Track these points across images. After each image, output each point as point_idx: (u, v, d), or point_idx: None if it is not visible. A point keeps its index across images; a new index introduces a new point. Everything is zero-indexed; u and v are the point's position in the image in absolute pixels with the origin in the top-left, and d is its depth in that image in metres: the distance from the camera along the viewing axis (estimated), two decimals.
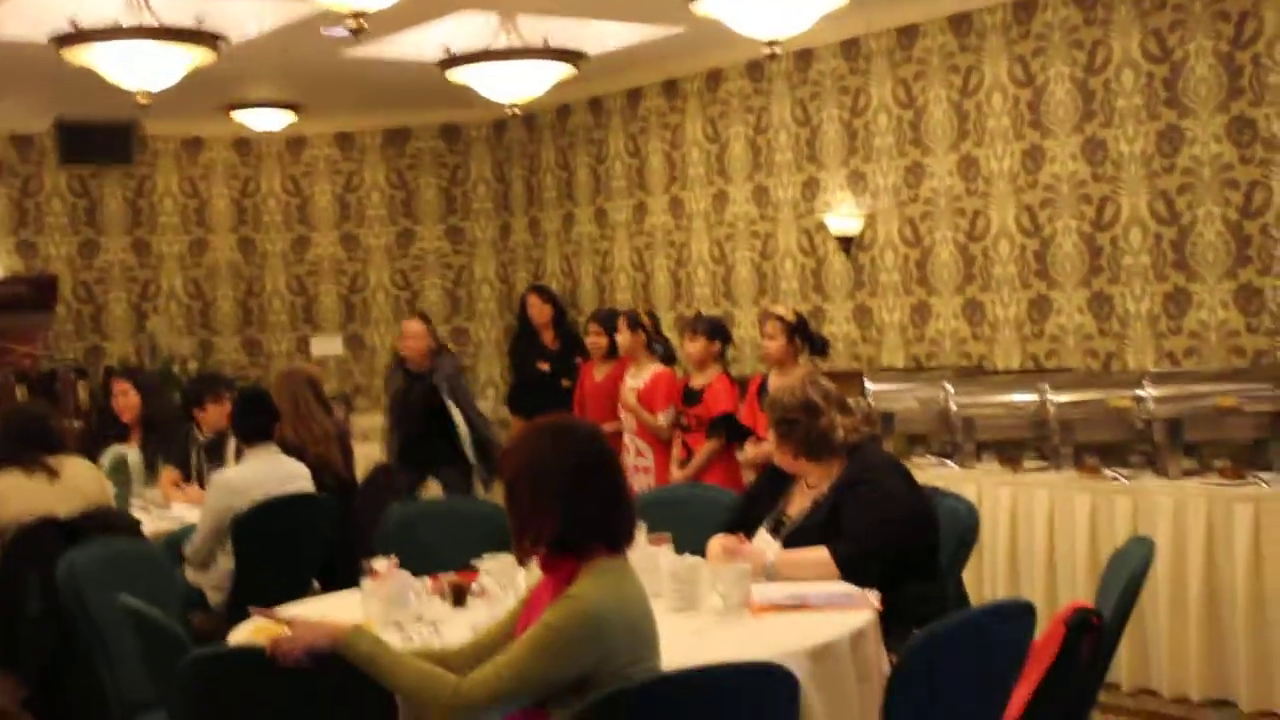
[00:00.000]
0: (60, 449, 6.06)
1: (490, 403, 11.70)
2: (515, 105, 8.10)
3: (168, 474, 7.35)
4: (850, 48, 9.05)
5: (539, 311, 10.06)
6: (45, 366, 10.69)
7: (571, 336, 10.01)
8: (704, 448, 7.43)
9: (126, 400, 7.69)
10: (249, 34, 8.29)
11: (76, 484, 5.91)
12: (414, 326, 8.82)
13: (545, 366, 9.82)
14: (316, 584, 6.09)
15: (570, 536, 3.20)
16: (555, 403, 8.52)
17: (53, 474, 5.85)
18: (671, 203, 10.44)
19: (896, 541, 4.48)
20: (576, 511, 3.19)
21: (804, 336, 7.10)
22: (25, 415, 6.34)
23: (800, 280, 9.46)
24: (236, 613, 5.06)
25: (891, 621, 4.12)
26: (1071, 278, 7.89)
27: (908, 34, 8.70)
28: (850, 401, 4.92)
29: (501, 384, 11.89)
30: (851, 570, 4.37)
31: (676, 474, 7.52)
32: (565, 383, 9.34)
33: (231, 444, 7.01)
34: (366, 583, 4.30)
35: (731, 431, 7.31)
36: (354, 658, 3.14)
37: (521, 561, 3.40)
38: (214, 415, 7.39)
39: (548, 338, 10.03)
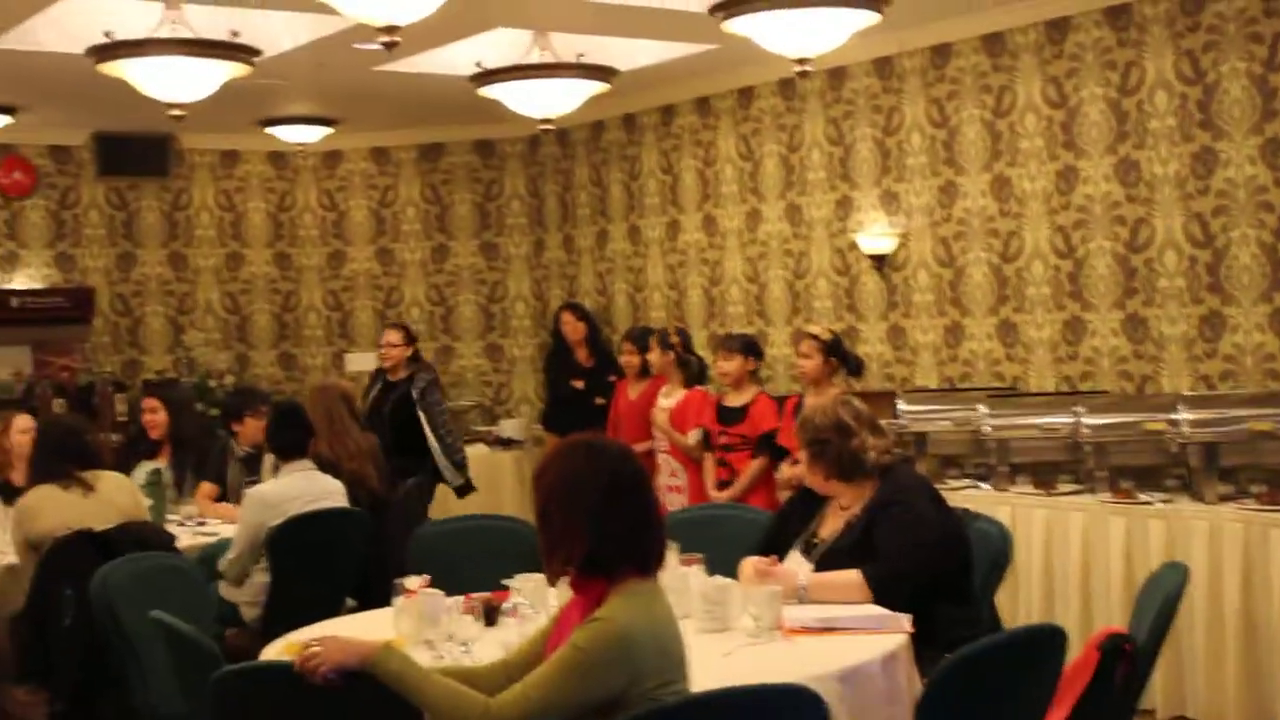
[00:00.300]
0: (95, 463, 6.10)
1: (525, 420, 11.72)
2: (548, 121, 8.12)
3: (204, 489, 7.40)
4: (883, 66, 9.05)
5: (572, 329, 10.09)
6: (83, 379, 10.76)
7: (605, 354, 10.03)
8: (751, 466, 7.40)
9: (155, 418, 7.76)
10: (283, 48, 8.34)
11: (111, 498, 5.95)
12: (389, 335, 9.01)
13: (579, 384, 9.84)
14: (352, 602, 6.11)
15: (601, 557, 3.20)
16: (589, 420, 8.54)
17: (87, 488, 5.90)
18: (705, 220, 10.45)
19: (928, 564, 4.47)
20: (607, 531, 3.19)
21: (839, 356, 7.10)
22: (61, 429, 6.39)
23: (834, 300, 9.45)
24: (271, 628, 5.09)
25: (923, 645, 4.12)
26: (1106, 300, 7.87)
27: (940, 53, 8.69)
28: (882, 423, 4.92)
29: (536, 401, 11.90)
30: (883, 593, 4.37)
31: (720, 494, 7.46)
32: (599, 400, 9.36)
33: (268, 458, 7.05)
34: (398, 601, 4.32)
35: (773, 450, 7.29)
36: (383, 676, 3.15)
37: (552, 581, 3.40)
38: (252, 429, 7.46)
39: (581, 355, 10.06)
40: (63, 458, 5.98)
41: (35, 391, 10.31)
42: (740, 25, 6.35)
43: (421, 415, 8.60)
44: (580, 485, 3.22)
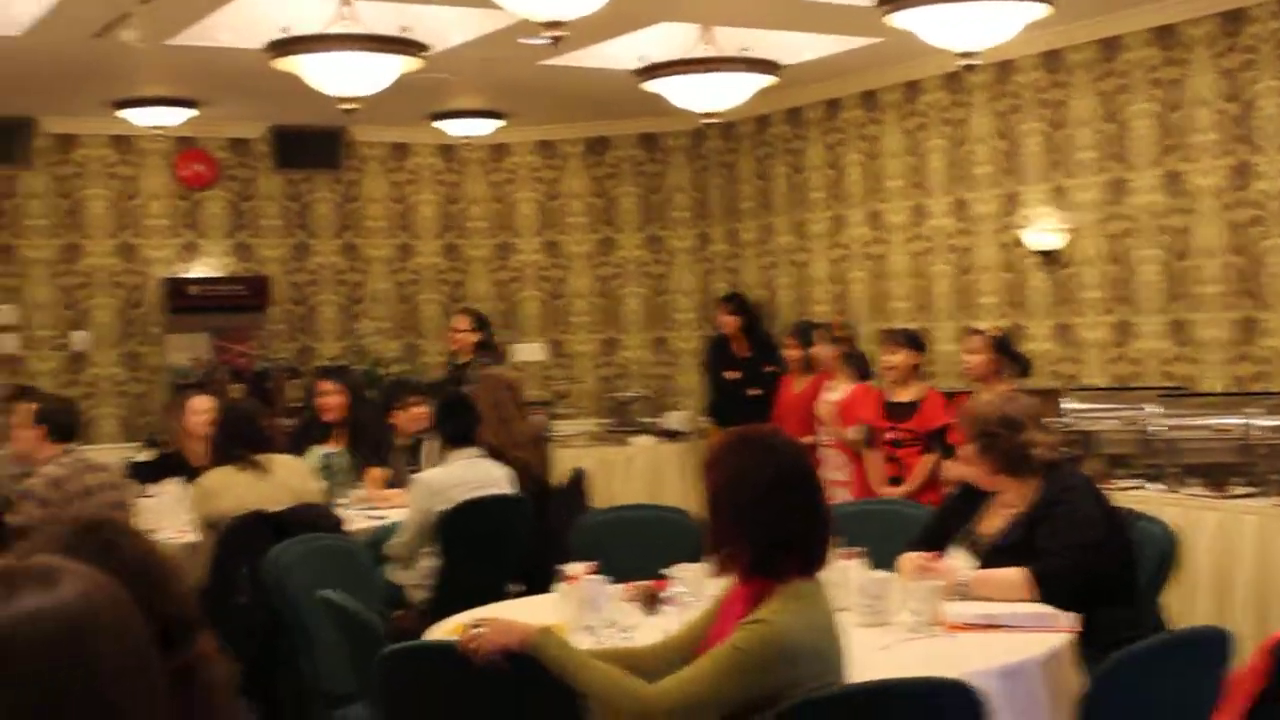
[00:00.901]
0: (268, 447, 6.29)
1: (689, 412, 11.75)
2: (712, 115, 8.14)
3: (374, 474, 7.55)
4: (1051, 59, 8.92)
5: (724, 322, 10.16)
6: (259, 366, 11.06)
7: (764, 345, 10.04)
8: (922, 463, 7.32)
9: (330, 400, 7.87)
10: (451, 43, 8.48)
11: (284, 480, 6.12)
12: (457, 321, 9.38)
13: (734, 375, 9.88)
14: (517, 587, 6.20)
15: (765, 560, 3.20)
16: (753, 412, 8.56)
17: (262, 470, 6.08)
18: (869, 215, 10.40)
19: (1092, 564, 4.42)
20: (773, 529, 3.18)
21: (1007, 353, 7.04)
22: (237, 413, 6.60)
23: (999, 296, 9.35)
24: (439, 610, 5.20)
25: (1085, 645, 4.08)
26: None
27: (1110, 46, 8.55)
28: (1047, 421, 4.87)
29: (700, 394, 11.93)
30: (1047, 592, 4.33)
31: (889, 490, 7.39)
32: (752, 391, 9.37)
33: (425, 448, 7.20)
34: (561, 587, 4.39)
35: (944, 448, 7.22)
36: (543, 659, 3.22)
37: (716, 574, 3.42)
38: (402, 420, 7.63)
39: (738, 347, 10.09)
40: (239, 441, 6.18)
41: (213, 377, 10.62)
42: (905, 19, 6.33)
43: None
44: (746, 478, 3.22)
